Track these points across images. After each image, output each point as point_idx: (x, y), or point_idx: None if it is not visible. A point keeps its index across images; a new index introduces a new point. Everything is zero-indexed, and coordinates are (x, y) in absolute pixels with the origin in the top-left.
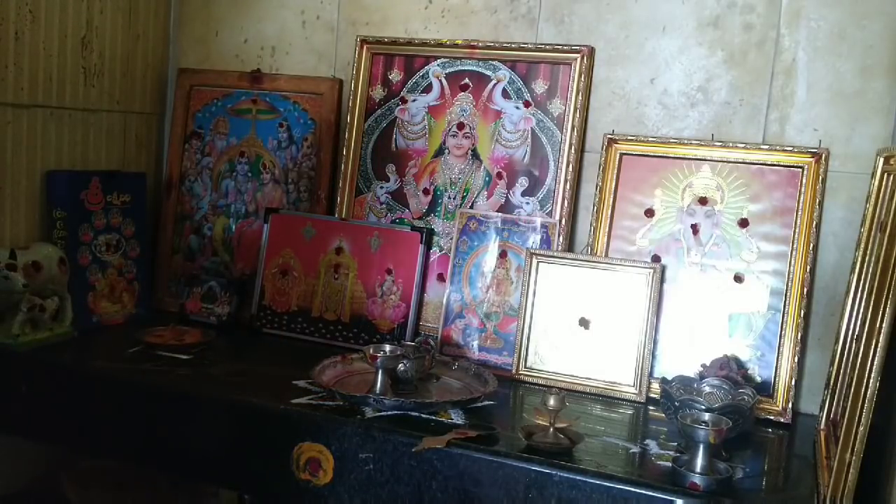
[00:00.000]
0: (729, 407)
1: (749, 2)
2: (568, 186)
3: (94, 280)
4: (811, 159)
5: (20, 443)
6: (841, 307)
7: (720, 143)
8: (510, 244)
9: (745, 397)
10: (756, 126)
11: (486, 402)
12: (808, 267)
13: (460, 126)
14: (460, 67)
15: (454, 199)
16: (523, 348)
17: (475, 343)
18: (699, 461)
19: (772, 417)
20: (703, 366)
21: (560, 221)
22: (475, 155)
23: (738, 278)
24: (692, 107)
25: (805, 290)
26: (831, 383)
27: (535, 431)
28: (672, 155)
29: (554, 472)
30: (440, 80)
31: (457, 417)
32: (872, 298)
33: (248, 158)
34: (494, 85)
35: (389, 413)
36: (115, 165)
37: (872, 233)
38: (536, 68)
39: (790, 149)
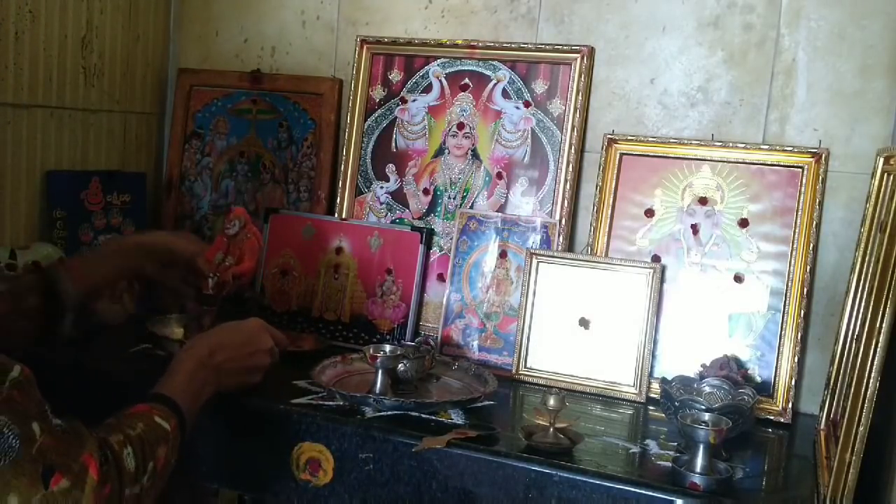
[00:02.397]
0: (729, 407)
1: (749, 2)
2: (568, 186)
3: None
4: (811, 159)
5: None
6: (841, 307)
7: (720, 143)
8: (510, 244)
9: (745, 397)
10: (756, 126)
11: (486, 402)
12: (808, 267)
13: (460, 126)
14: (460, 67)
15: (454, 199)
16: (523, 348)
17: (475, 343)
18: (699, 461)
19: (772, 417)
20: (703, 366)
21: (560, 221)
22: (475, 155)
23: (738, 278)
24: (692, 107)
25: (805, 290)
26: (831, 383)
27: (535, 431)
28: (672, 155)
29: (554, 472)
30: (440, 80)
31: (457, 417)
32: (872, 298)
33: (248, 158)
34: (494, 85)
35: (389, 413)
36: (115, 165)
37: (872, 233)
38: (536, 68)
39: (790, 149)
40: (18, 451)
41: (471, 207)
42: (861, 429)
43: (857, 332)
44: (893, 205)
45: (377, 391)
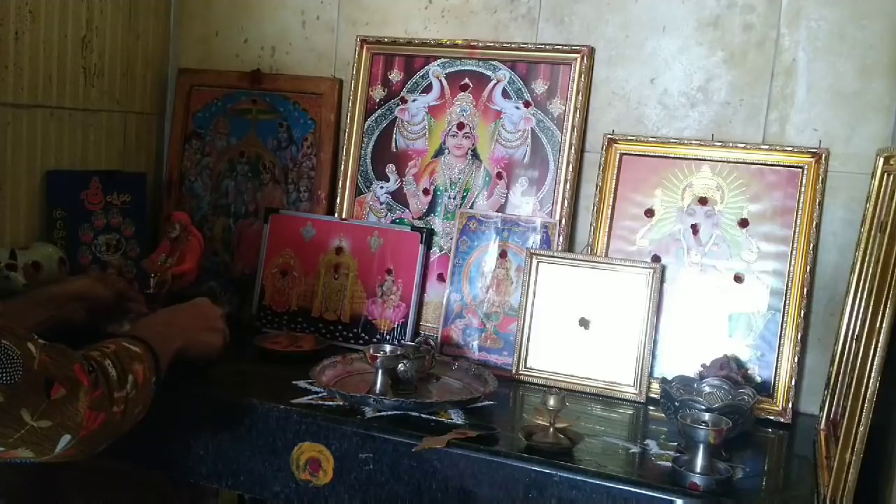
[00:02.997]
0: (729, 407)
1: (749, 2)
2: (568, 186)
3: None
4: (811, 159)
5: None
6: (841, 307)
7: (720, 143)
8: (510, 244)
9: (745, 397)
10: (756, 126)
11: (486, 402)
12: (808, 267)
13: (460, 126)
14: (460, 67)
15: (454, 199)
16: (523, 348)
17: (475, 343)
18: (699, 461)
19: (772, 417)
20: (703, 366)
21: (560, 221)
22: (475, 155)
23: (738, 278)
24: (692, 107)
25: (805, 290)
26: (831, 383)
27: (535, 431)
28: (672, 155)
29: (554, 472)
30: (440, 80)
31: (457, 417)
32: (872, 298)
33: (248, 158)
34: (494, 85)
35: (389, 413)
36: (115, 165)
37: (872, 233)
38: (536, 68)
39: (790, 149)
40: (25, 369)
41: (471, 207)
42: (861, 429)
43: (857, 332)
44: (893, 205)
45: (377, 391)
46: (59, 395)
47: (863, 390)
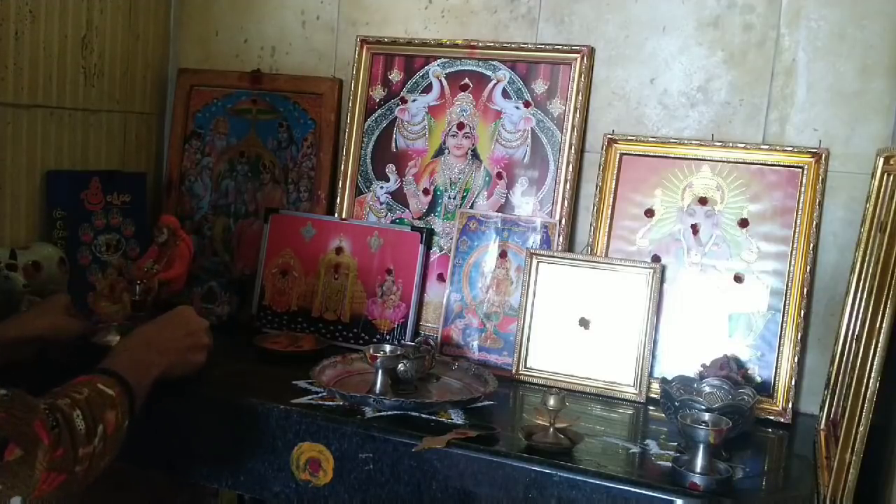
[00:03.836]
0: (729, 407)
1: (749, 2)
2: (568, 186)
3: (94, 280)
4: (811, 159)
5: None
6: (841, 307)
7: (720, 143)
8: (510, 244)
9: (745, 397)
10: (756, 126)
11: (486, 402)
12: (808, 267)
13: (460, 126)
14: (460, 67)
15: (454, 199)
16: (523, 348)
17: (475, 343)
18: (699, 461)
19: (772, 417)
20: (703, 366)
21: (560, 221)
22: (475, 155)
23: (738, 278)
24: (692, 107)
25: (805, 290)
26: (831, 383)
27: (535, 431)
28: (672, 155)
29: (554, 472)
30: (440, 80)
31: (457, 417)
32: (872, 298)
33: (248, 158)
34: (494, 85)
35: (389, 413)
36: (115, 165)
37: (872, 233)
38: (536, 68)
39: (790, 149)
40: None
41: (471, 207)
42: (861, 429)
43: (857, 332)
44: (893, 205)
45: (377, 391)
46: (14, 457)
47: (863, 390)
